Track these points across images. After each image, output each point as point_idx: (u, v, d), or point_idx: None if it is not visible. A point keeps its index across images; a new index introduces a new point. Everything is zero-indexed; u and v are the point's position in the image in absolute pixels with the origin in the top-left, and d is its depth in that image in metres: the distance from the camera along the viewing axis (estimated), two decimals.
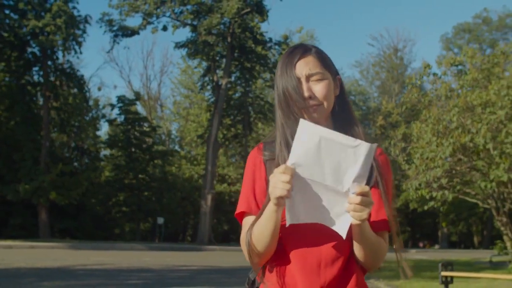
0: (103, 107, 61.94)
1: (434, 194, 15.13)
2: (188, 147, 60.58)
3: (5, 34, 37.91)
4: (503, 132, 13.21)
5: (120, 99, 49.45)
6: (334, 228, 2.01)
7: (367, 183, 2.01)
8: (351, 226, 2.02)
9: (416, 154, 14.89)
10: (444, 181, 14.46)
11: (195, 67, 51.13)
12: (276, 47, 43.66)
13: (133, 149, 48.84)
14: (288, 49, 2.27)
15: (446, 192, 15.12)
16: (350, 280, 2.15)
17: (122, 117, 49.68)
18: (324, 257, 2.14)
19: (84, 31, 39.65)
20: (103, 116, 56.18)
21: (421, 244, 59.66)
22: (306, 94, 2.16)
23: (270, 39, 42.93)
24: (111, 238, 49.25)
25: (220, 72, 43.13)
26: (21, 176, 38.22)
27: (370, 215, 2.08)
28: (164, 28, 40.78)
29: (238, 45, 40.75)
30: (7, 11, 37.59)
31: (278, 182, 1.94)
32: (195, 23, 40.81)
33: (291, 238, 2.16)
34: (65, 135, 45.60)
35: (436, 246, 55.37)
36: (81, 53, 40.05)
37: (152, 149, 50.29)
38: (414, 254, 36.44)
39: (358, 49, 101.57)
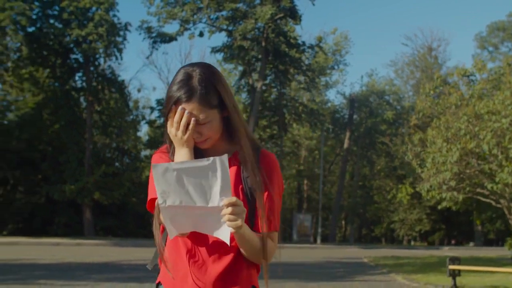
0: (143, 108, 63.74)
1: (444, 195, 16.28)
2: None
3: (50, 43, 39.64)
4: (506, 138, 14.33)
5: (160, 102, 51.03)
6: (218, 236, 2.18)
7: (256, 189, 2.29)
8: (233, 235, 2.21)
9: (429, 158, 16.05)
10: (453, 183, 15.62)
11: (232, 69, 52.41)
12: (309, 50, 44.89)
13: None
14: (175, 79, 2.33)
15: (455, 193, 16.26)
16: (235, 275, 2.32)
17: (162, 119, 51.21)
18: (212, 252, 2.31)
19: (124, 38, 41.21)
20: (143, 117, 57.82)
21: (453, 242, 60.19)
22: (193, 135, 2.32)
23: (303, 43, 44.06)
24: (152, 235, 50.71)
25: (255, 75, 44.33)
26: (66, 177, 39.87)
27: (260, 216, 2.32)
28: (201, 34, 42.17)
29: (272, 49, 41.91)
30: (52, 21, 39.35)
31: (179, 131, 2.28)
32: (230, 28, 42.14)
33: (182, 238, 2.34)
34: (107, 137, 47.27)
35: (471, 244, 55.79)
36: (121, 59, 41.62)
37: None
38: (445, 251, 37.25)
39: (393, 49, 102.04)
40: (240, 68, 46.55)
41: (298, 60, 43.36)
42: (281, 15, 40.81)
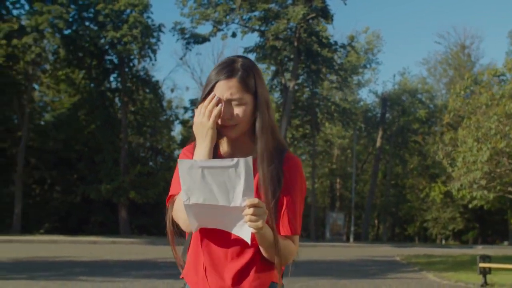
0: (176, 108, 64.40)
1: (474, 194, 16.42)
2: None
3: (86, 45, 40.35)
4: None
5: (193, 102, 51.56)
6: (239, 235, 2.23)
7: (276, 190, 2.32)
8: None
9: (459, 158, 16.20)
10: (483, 182, 15.77)
11: (265, 69, 52.74)
12: (341, 49, 45.05)
13: None
14: (217, 64, 2.41)
15: (486, 192, 16.39)
16: (256, 271, 2.35)
17: None
18: (231, 250, 2.34)
19: (158, 39, 41.76)
20: (176, 117, 58.42)
21: (487, 240, 59.82)
22: (224, 115, 2.33)
23: (335, 42, 44.24)
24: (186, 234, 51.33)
25: (287, 75, 44.59)
26: (102, 176, 40.57)
27: (279, 219, 2.35)
28: (233, 35, 42.55)
29: (304, 49, 42.14)
30: (87, 23, 40.07)
31: (203, 115, 2.34)
32: (263, 28, 42.47)
33: (203, 234, 2.38)
34: (141, 137, 47.94)
35: (505, 243, 55.43)
36: (155, 59, 42.19)
37: None
38: (479, 250, 37.19)
39: (425, 47, 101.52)
40: (273, 68, 46.85)
41: (330, 59, 43.51)
42: (313, 15, 41.03)
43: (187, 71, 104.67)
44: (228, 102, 2.33)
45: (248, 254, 2.34)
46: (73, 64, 42.25)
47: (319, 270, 17.39)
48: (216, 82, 2.34)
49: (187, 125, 53.25)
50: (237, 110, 2.34)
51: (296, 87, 44.37)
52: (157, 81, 44.86)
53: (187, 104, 53.08)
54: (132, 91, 42.94)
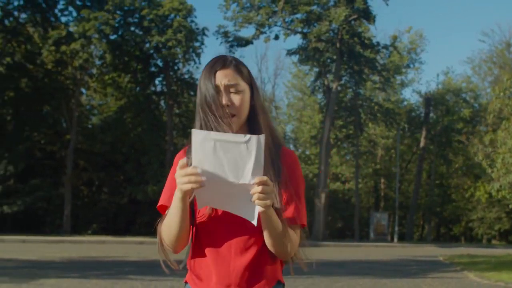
0: None
1: None
2: (302, 148, 62.57)
3: (132, 49, 41.19)
4: None
5: None
6: (244, 216, 2.22)
7: (277, 178, 2.35)
8: (259, 216, 2.23)
9: (498, 159, 16.34)
10: None
11: (308, 71, 53.04)
12: (384, 50, 45.14)
13: None
14: (210, 60, 2.46)
15: None
16: (260, 270, 2.37)
17: None
18: (234, 247, 2.35)
19: (202, 43, 42.35)
20: None
21: None
22: (224, 102, 2.36)
23: (378, 43, 44.37)
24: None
25: (330, 76, 44.88)
26: (148, 178, 41.33)
27: (286, 209, 2.37)
28: (276, 37, 43.01)
29: (347, 50, 42.36)
30: (133, 29, 40.92)
31: (181, 178, 2.17)
32: (305, 30, 42.83)
33: (205, 231, 2.41)
34: (186, 139, 48.52)
35: None
36: (199, 63, 42.76)
37: None
38: None
39: (469, 46, 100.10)
40: (316, 69, 47.16)
41: (372, 60, 43.67)
42: (355, 16, 41.26)
43: None
44: (226, 89, 2.38)
45: (252, 253, 2.36)
46: (119, 69, 43.14)
47: (361, 269, 17.70)
48: (214, 73, 2.38)
49: None
50: (235, 97, 2.39)
51: (339, 88, 44.59)
52: None
53: None
54: (177, 94, 43.66)
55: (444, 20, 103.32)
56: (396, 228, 47.63)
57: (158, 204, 2.51)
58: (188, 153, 2.46)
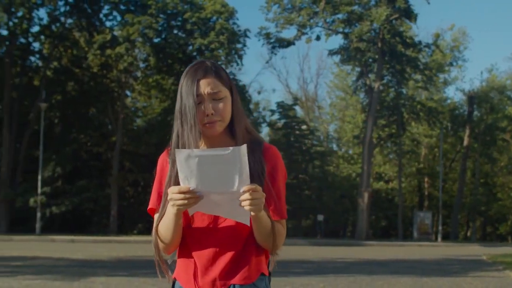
0: (263, 110, 65.57)
1: None
2: (345, 147, 62.63)
3: (175, 52, 41.81)
4: None
5: (279, 104, 52.57)
6: (237, 220, 2.31)
7: (260, 178, 2.37)
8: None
9: None
10: None
11: (349, 70, 53.10)
12: (426, 49, 44.99)
13: (293, 151, 51.55)
14: (190, 67, 2.46)
15: None
16: (243, 263, 2.42)
17: (282, 121, 52.78)
18: (219, 242, 2.41)
19: (244, 44, 42.79)
20: (263, 119, 59.47)
21: None
22: (208, 111, 2.37)
23: (420, 42, 44.28)
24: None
25: (372, 76, 44.92)
26: None
27: (270, 205, 2.41)
28: (318, 38, 43.27)
29: (388, 50, 42.37)
30: (175, 31, 41.56)
31: (173, 201, 2.23)
32: (346, 31, 42.98)
33: (190, 228, 2.45)
34: None
35: None
36: (242, 64, 43.19)
37: (311, 151, 52.76)
38: None
39: None
40: (357, 69, 47.24)
41: (414, 59, 43.60)
42: (396, 15, 41.28)
43: (273, 73, 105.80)
44: (209, 97, 2.38)
45: (237, 248, 2.43)
46: (163, 71, 43.79)
47: (403, 268, 17.87)
48: (197, 81, 2.38)
49: (274, 127, 54.21)
50: (219, 105, 2.40)
51: (381, 88, 44.65)
52: (244, 85, 45.97)
53: (274, 107, 54.13)
54: None
55: (487, 17, 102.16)
56: (440, 227, 47.38)
57: (148, 208, 2.54)
58: (170, 155, 2.47)
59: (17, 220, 42.27)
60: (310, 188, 52.37)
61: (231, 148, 2.14)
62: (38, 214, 37.73)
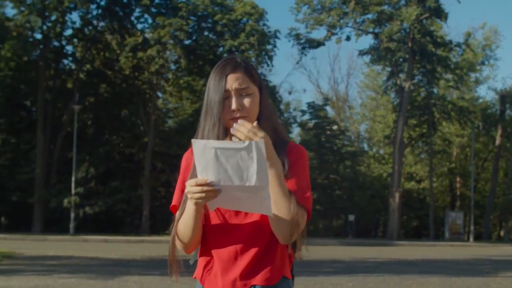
0: (294, 110, 65.68)
1: None
2: (376, 147, 62.52)
3: (205, 53, 42.14)
4: None
5: (310, 105, 52.66)
6: (259, 212, 2.26)
7: (284, 172, 2.32)
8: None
9: None
10: None
11: (380, 70, 53.02)
12: (457, 48, 44.77)
13: (324, 151, 51.62)
14: (219, 63, 2.44)
15: None
16: (265, 265, 2.37)
17: (313, 121, 52.87)
18: (240, 244, 2.37)
19: (274, 46, 42.98)
20: (294, 119, 59.58)
21: None
22: (234, 106, 2.33)
23: (450, 41, 44.09)
24: (306, 234, 52.31)
25: (402, 76, 44.84)
26: None
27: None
28: (347, 38, 43.35)
29: (419, 49, 42.26)
30: (206, 33, 41.90)
31: (191, 194, 2.19)
32: (376, 31, 42.96)
33: (212, 229, 2.43)
34: None
35: None
36: (272, 65, 43.34)
37: (342, 151, 52.77)
38: None
39: None
40: (388, 69, 47.17)
41: (445, 58, 43.42)
42: (427, 15, 41.17)
43: (304, 74, 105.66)
44: (237, 92, 2.36)
45: (258, 248, 2.38)
46: (194, 72, 44.12)
47: (433, 268, 17.94)
48: (225, 76, 2.36)
49: (305, 127, 54.32)
50: (246, 100, 2.37)
51: (411, 88, 44.52)
52: (274, 86, 46.18)
53: (305, 107, 54.25)
54: None
55: None
56: (472, 228, 47.09)
57: (171, 205, 2.51)
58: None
59: (51, 220, 42.94)
60: (341, 188, 52.39)
61: (247, 142, 2.10)
62: (72, 215, 38.27)
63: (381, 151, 60.97)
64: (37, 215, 40.48)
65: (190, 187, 2.17)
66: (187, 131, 45.86)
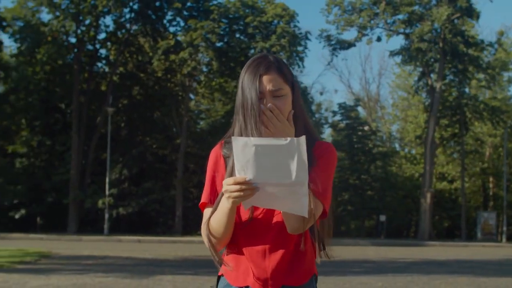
0: (326, 110, 65.78)
1: None
2: (408, 147, 62.33)
3: (237, 55, 42.48)
4: None
5: (341, 106, 52.74)
6: (294, 212, 2.20)
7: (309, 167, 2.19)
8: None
9: None
10: None
11: (411, 71, 52.89)
12: (489, 47, 44.55)
13: (355, 152, 51.63)
14: (252, 60, 2.42)
15: None
16: (296, 264, 2.40)
17: (344, 122, 52.94)
18: (270, 243, 2.37)
19: (305, 47, 43.16)
20: (326, 120, 59.69)
21: None
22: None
23: (482, 41, 43.90)
24: (338, 234, 52.41)
25: (434, 76, 44.76)
26: None
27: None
28: (378, 39, 43.39)
29: (450, 49, 42.13)
30: (237, 35, 42.26)
31: (228, 193, 2.15)
32: (407, 31, 42.96)
33: (241, 230, 2.42)
34: None
35: None
36: (303, 67, 43.52)
37: (373, 151, 52.73)
38: None
39: None
40: (419, 69, 47.09)
41: (477, 58, 43.23)
42: (458, 14, 41.07)
43: (335, 74, 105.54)
44: (271, 94, 2.34)
45: (288, 247, 2.39)
46: (226, 74, 44.39)
47: (462, 268, 18.05)
48: (259, 77, 2.34)
49: (336, 128, 54.39)
50: (280, 102, 2.35)
51: (443, 87, 44.39)
52: (306, 87, 46.39)
53: (336, 108, 54.33)
54: None
55: None
56: (505, 228, 46.80)
57: (200, 202, 2.52)
58: (224, 147, 2.50)
59: (86, 221, 43.67)
60: (372, 189, 52.35)
61: (289, 138, 2.08)
62: (106, 215, 38.90)
63: (413, 151, 60.75)
64: (72, 216, 41.19)
65: (228, 185, 2.15)
66: (219, 132, 46.20)
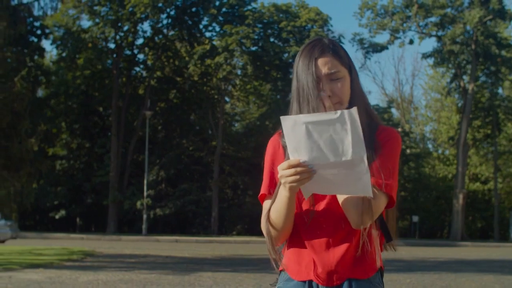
0: None
1: None
2: (441, 148, 62.38)
3: (271, 59, 43.09)
4: None
5: (375, 108, 52.94)
6: (357, 193, 2.09)
7: (372, 152, 2.20)
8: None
9: None
10: None
11: (444, 72, 53.04)
12: None
13: None
14: (306, 45, 2.31)
15: None
16: (360, 257, 2.28)
17: None
18: (334, 235, 2.26)
19: None
20: None
21: None
22: (326, 93, 2.23)
23: None
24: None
25: (466, 78, 44.95)
26: None
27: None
28: (411, 42, 43.77)
29: (482, 51, 42.27)
30: (272, 40, 42.96)
31: (284, 178, 2.05)
32: (439, 33, 43.25)
33: (303, 220, 2.31)
34: None
35: None
36: None
37: (407, 152, 52.93)
38: None
39: None
40: (452, 71, 47.28)
41: (510, 59, 43.32)
42: (490, 17, 41.25)
43: (369, 76, 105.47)
44: (327, 77, 2.25)
45: (352, 239, 2.27)
46: (260, 78, 45.03)
47: (490, 267, 18.45)
48: (314, 60, 2.25)
49: None
50: (337, 85, 2.26)
51: (475, 89, 44.56)
52: None
53: None
54: None
55: None
56: None
57: (259, 194, 2.40)
58: (283, 137, 2.33)
59: (124, 221, 44.68)
60: (405, 190, 52.63)
61: (339, 111, 1.95)
62: (144, 216, 39.76)
63: (446, 152, 60.80)
64: (111, 216, 42.19)
65: (282, 170, 2.05)
66: (254, 134, 46.97)
